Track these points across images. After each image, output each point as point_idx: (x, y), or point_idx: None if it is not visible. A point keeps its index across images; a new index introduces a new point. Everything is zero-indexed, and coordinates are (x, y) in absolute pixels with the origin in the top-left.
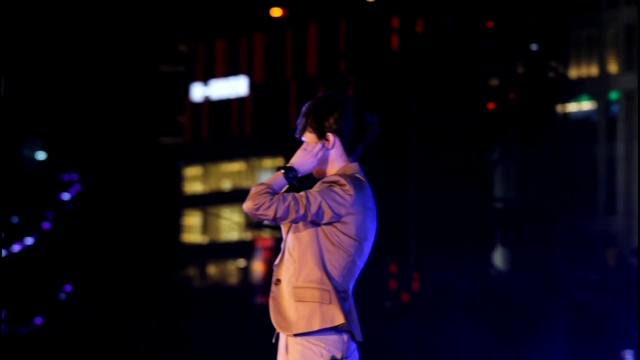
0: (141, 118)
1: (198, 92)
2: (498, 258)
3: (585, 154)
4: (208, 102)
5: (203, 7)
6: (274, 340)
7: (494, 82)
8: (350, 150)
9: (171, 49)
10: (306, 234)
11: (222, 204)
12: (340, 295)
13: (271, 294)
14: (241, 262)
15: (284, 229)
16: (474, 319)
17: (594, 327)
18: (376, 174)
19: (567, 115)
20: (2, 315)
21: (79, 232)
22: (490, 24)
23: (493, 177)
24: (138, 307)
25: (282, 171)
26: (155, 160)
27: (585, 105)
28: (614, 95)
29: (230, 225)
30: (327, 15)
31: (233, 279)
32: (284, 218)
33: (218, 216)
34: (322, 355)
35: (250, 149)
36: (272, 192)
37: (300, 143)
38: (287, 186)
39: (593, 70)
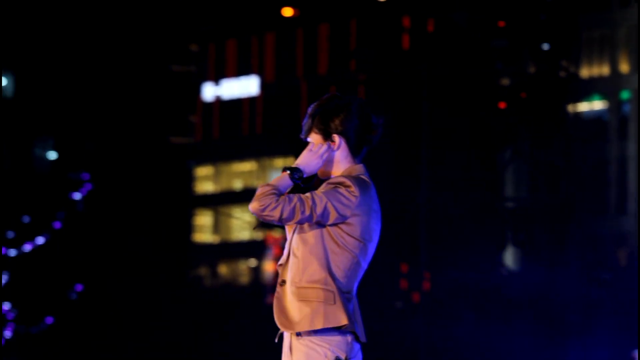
0: (152, 118)
1: (209, 91)
2: (509, 258)
3: (597, 153)
4: (219, 102)
5: (214, 7)
6: (276, 340)
7: (505, 81)
8: (355, 152)
9: (182, 49)
10: (311, 235)
11: (233, 203)
12: (345, 296)
13: (275, 294)
14: (252, 262)
15: (288, 229)
16: (485, 319)
17: (605, 327)
18: (387, 174)
19: (578, 115)
20: (11, 315)
21: (90, 232)
22: (501, 24)
23: (504, 177)
24: (149, 307)
25: (288, 172)
26: (166, 160)
27: (597, 104)
28: (625, 94)
29: (241, 224)
30: (338, 15)
31: (244, 278)
32: (289, 219)
33: (229, 216)
34: (326, 356)
35: (261, 149)
36: (278, 193)
37: (307, 143)
38: (294, 186)
39: (604, 70)
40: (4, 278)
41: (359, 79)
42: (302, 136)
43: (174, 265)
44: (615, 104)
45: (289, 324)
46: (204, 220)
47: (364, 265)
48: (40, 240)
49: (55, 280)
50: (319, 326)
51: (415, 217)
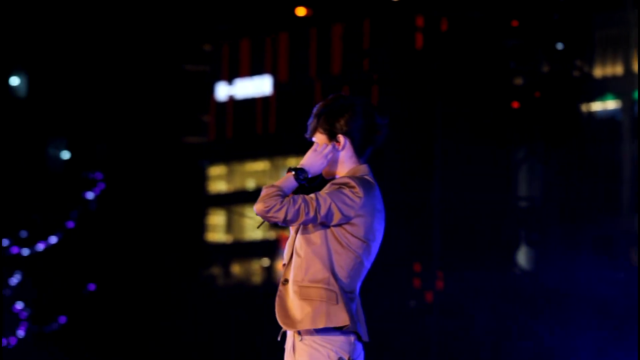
0: (166, 117)
1: (223, 91)
2: (522, 257)
3: (610, 153)
4: (232, 102)
5: (228, 6)
6: (279, 339)
7: (519, 81)
8: (360, 152)
9: (196, 49)
10: (315, 235)
11: (246, 203)
12: (347, 295)
13: (278, 293)
14: (265, 261)
15: (292, 229)
16: (499, 318)
17: (619, 326)
18: (400, 173)
19: (591, 115)
20: (24, 314)
21: (103, 231)
22: (515, 23)
23: (517, 176)
24: (162, 306)
25: (293, 173)
26: (179, 159)
27: (610, 104)
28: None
29: (254, 224)
30: (351, 14)
31: (257, 278)
32: (294, 220)
33: (242, 215)
34: (329, 357)
35: (274, 148)
36: (283, 194)
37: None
38: (298, 187)
39: (618, 70)
40: (17, 277)
41: (373, 79)
42: (307, 136)
43: (187, 265)
44: (629, 104)
45: (291, 322)
46: (216, 219)
47: (367, 265)
48: (53, 239)
49: (69, 280)
50: (320, 325)
51: (429, 217)
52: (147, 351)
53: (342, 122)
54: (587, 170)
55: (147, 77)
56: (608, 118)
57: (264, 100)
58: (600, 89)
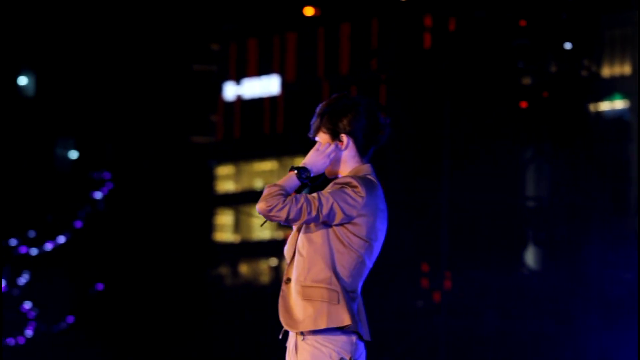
0: (174, 117)
1: (230, 91)
2: (530, 257)
3: (618, 153)
4: (240, 101)
5: (236, 6)
6: (280, 337)
7: (527, 81)
8: (363, 152)
9: (204, 48)
10: (317, 234)
11: (254, 203)
12: (349, 295)
13: (281, 293)
14: (273, 261)
15: (295, 227)
16: (507, 318)
17: (626, 326)
18: (408, 173)
19: (599, 114)
20: (32, 314)
21: (111, 231)
22: (523, 23)
23: (525, 176)
24: (170, 306)
25: (295, 171)
26: (187, 159)
27: (618, 104)
28: None
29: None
30: (359, 14)
31: (265, 277)
32: (296, 219)
33: (250, 215)
34: (331, 357)
35: (282, 148)
36: (285, 193)
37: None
38: (301, 186)
39: (626, 69)
40: (26, 277)
41: (380, 78)
42: (310, 135)
43: (195, 265)
44: (637, 104)
45: (293, 323)
46: (224, 219)
47: (369, 265)
48: (61, 239)
49: (77, 279)
50: (322, 326)
51: (437, 216)
52: (155, 350)
53: (345, 121)
54: (595, 170)
55: (155, 77)
56: (616, 118)
57: (271, 100)
58: (609, 88)
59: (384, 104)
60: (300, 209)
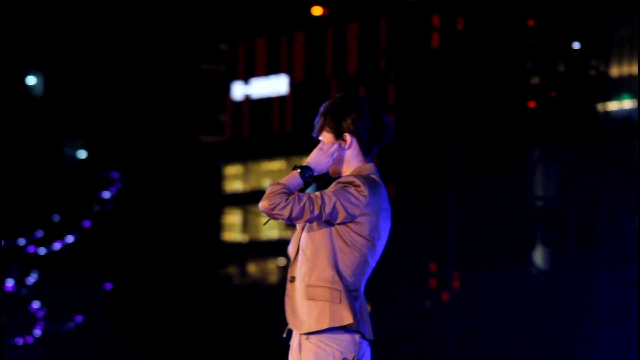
0: (182, 117)
1: (239, 90)
2: (538, 257)
3: (626, 152)
4: (249, 101)
5: (244, 6)
6: (284, 335)
7: (535, 80)
8: (366, 151)
9: (212, 48)
10: (320, 233)
11: None
12: (352, 294)
13: (286, 292)
14: (281, 261)
15: (298, 226)
16: (515, 318)
17: (636, 326)
18: (416, 173)
19: (608, 114)
20: (41, 313)
21: (119, 231)
22: (531, 23)
23: (533, 176)
24: (178, 306)
25: (299, 170)
26: (195, 158)
27: (627, 104)
28: None
29: (270, 223)
30: (367, 14)
31: (273, 277)
32: (298, 218)
33: (258, 215)
34: (334, 356)
35: (290, 148)
36: (288, 192)
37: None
38: (304, 185)
39: (635, 69)
40: (34, 276)
41: (389, 78)
42: (314, 135)
43: (203, 264)
44: (637, 104)
45: (298, 323)
46: (233, 219)
47: (372, 264)
48: (70, 238)
49: (85, 279)
50: (325, 326)
51: (445, 216)
52: (163, 350)
53: (348, 121)
54: (603, 169)
55: (163, 76)
56: (624, 117)
57: (280, 99)
58: (617, 88)
59: (392, 103)
60: (303, 207)
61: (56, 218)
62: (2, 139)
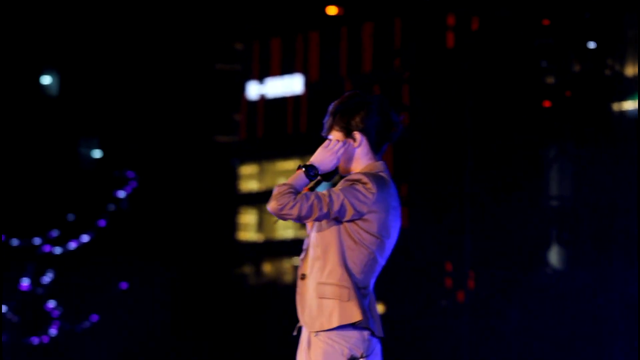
0: (197, 116)
1: (254, 90)
2: (554, 257)
3: None
4: (263, 101)
5: (259, 5)
6: (294, 333)
7: (550, 80)
8: (376, 149)
9: (227, 47)
10: (329, 231)
11: None
12: (361, 292)
13: (298, 290)
14: (296, 260)
15: (308, 225)
16: (530, 318)
17: None
18: (431, 172)
19: (623, 114)
20: (56, 313)
21: (134, 230)
22: (546, 22)
23: (549, 176)
24: (194, 305)
25: (303, 169)
26: (210, 158)
27: None
28: None
29: (285, 223)
30: (382, 13)
31: (288, 277)
32: (307, 216)
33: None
34: (342, 353)
35: (305, 147)
36: (295, 191)
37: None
38: (313, 183)
39: None
40: (50, 276)
41: (403, 78)
42: (324, 134)
43: (218, 264)
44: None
45: (310, 321)
46: (248, 218)
47: (382, 262)
48: (85, 238)
49: (100, 278)
50: (334, 324)
51: (460, 216)
52: (178, 349)
53: (357, 119)
54: (618, 169)
55: (179, 76)
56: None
57: (294, 99)
58: (632, 88)
59: (407, 103)
60: (311, 205)
61: (71, 217)
62: (17, 139)
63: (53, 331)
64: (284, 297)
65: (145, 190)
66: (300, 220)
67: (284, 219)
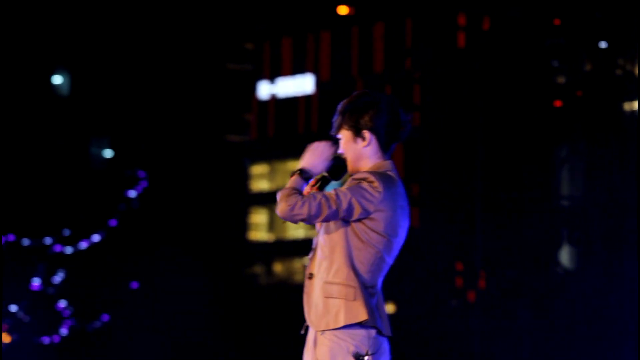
0: (208, 116)
1: (265, 90)
2: (565, 256)
3: None
4: (275, 100)
5: (270, 5)
6: (302, 332)
7: (561, 79)
8: (385, 148)
9: (238, 47)
10: (336, 231)
11: None
12: (368, 291)
13: (305, 289)
14: (307, 260)
15: (318, 225)
16: (541, 317)
17: None
18: (442, 172)
19: (634, 113)
20: (67, 312)
21: (145, 229)
22: (557, 22)
23: (560, 175)
24: (204, 305)
25: (297, 174)
26: (222, 158)
27: None
28: None
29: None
30: (393, 13)
31: (299, 276)
32: (317, 215)
33: None
34: (348, 351)
35: None
36: (299, 192)
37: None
38: (320, 182)
39: None
40: (61, 275)
41: (414, 78)
42: (333, 133)
43: (230, 264)
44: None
45: (316, 320)
46: (259, 218)
47: (389, 261)
48: (96, 237)
49: (111, 278)
50: (341, 323)
51: (471, 216)
52: (188, 349)
53: (366, 118)
54: (629, 168)
55: (190, 75)
56: None
57: (306, 99)
58: None
59: (418, 103)
60: (320, 204)
61: (82, 217)
62: (28, 139)
63: (64, 331)
64: (294, 296)
65: (156, 189)
66: (310, 221)
67: (294, 221)
